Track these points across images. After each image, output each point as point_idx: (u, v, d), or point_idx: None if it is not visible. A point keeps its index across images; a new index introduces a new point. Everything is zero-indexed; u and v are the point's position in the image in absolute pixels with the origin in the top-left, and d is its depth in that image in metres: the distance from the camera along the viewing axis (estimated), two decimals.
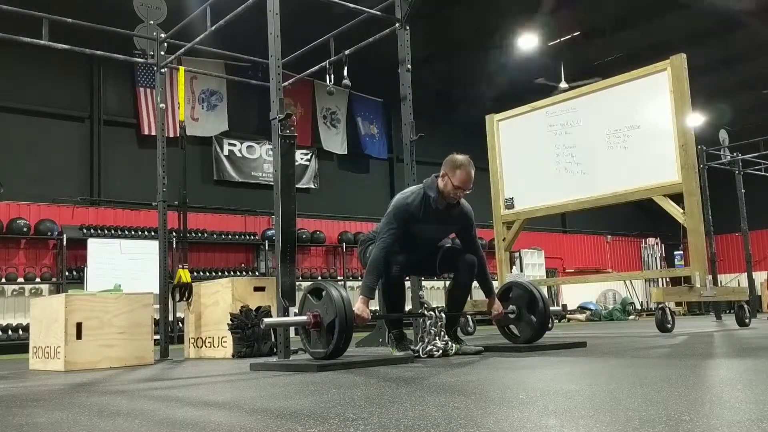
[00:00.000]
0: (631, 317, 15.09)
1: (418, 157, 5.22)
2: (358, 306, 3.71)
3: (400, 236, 3.99)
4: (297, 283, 3.90)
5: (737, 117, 16.55)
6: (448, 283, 11.95)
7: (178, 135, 6.82)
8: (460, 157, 3.98)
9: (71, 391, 2.95)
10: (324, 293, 3.57)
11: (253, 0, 4.82)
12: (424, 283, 5.29)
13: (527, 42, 13.68)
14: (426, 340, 3.99)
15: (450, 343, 4.03)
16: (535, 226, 14.33)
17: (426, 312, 4.04)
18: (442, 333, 4.02)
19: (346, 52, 5.98)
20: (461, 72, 14.92)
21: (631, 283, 18.91)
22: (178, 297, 5.87)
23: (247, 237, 13.00)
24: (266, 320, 3.64)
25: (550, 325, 8.16)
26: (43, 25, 5.37)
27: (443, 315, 4.05)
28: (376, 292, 4.06)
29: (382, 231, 4.00)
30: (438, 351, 3.95)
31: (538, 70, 14.67)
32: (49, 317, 4.80)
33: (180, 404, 2.30)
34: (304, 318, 3.62)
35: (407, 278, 4.52)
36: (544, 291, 4.44)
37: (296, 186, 4.16)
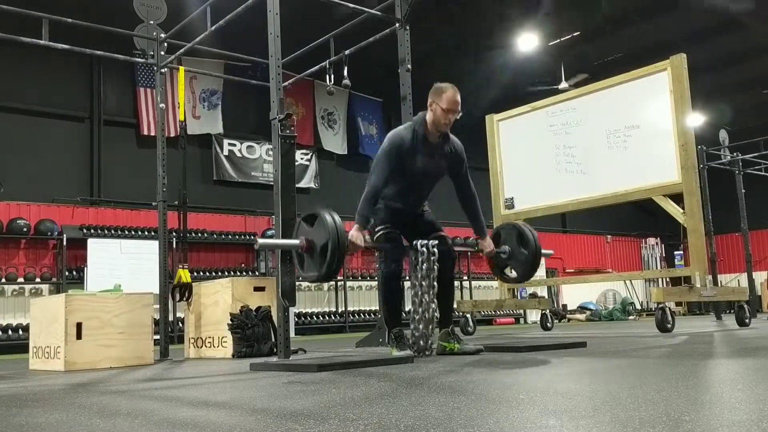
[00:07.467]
0: (631, 317, 15.09)
1: None
2: (352, 233, 3.75)
3: (394, 170, 4.02)
4: (296, 283, 3.88)
5: (737, 117, 16.55)
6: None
7: (178, 135, 6.82)
8: (443, 84, 4.00)
9: (71, 391, 2.95)
10: (317, 219, 3.57)
11: (253, 0, 4.82)
12: None
13: (527, 42, 13.68)
14: (414, 326, 3.87)
15: (451, 340, 3.97)
16: (535, 226, 14.27)
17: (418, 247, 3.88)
18: (431, 324, 3.86)
19: (346, 52, 5.99)
20: (461, 72, 14.91)
21: (631, 283, 18.91)
22: (178, 297, 5.87)
23: (247, 237, 12.99)
24: (260, 241, 3.59)
25: (549, 324, 8.26)
26: (43, 25, 5.38)
27: (436, 250, 3.86)
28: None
29: (378, 164, 4.03)
30: (428, 349, 3.82)
31: (539, 70, 14.66)
32: (49, 317, 4.79)
33: (180, 404, 2.30)
34: (296, 242, 3.63)
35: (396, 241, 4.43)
36: (534, 232, 4.55)
37: (296, 186, 4.16)
